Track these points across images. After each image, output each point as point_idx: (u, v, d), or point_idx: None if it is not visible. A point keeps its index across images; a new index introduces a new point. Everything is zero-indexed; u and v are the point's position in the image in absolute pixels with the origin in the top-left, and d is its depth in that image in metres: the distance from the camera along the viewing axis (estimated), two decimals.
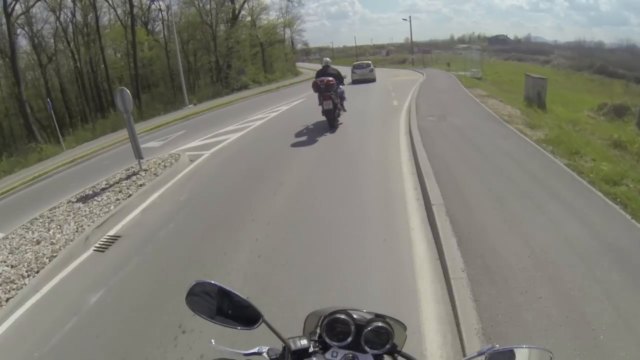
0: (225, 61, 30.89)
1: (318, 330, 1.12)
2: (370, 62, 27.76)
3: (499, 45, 75.46)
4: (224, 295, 1.13)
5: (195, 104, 23.39)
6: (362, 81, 24.26)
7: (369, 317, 1.11)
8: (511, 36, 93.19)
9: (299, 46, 69.03)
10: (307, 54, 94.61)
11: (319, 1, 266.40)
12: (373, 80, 24.71)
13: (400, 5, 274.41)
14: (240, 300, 1.13)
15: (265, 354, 1.11)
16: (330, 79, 9.69)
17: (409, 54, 60.31)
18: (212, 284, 1.12)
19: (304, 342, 1.09)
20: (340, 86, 10.39)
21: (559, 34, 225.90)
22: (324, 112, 9.79)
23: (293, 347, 1.07)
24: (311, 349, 1.08)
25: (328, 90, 9.57)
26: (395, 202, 5.23)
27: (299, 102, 18.53)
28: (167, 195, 6.93)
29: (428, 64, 40.87)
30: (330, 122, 9.86)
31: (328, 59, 11.34)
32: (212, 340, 1.12)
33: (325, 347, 1.10)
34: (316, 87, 9.81)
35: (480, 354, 1.01)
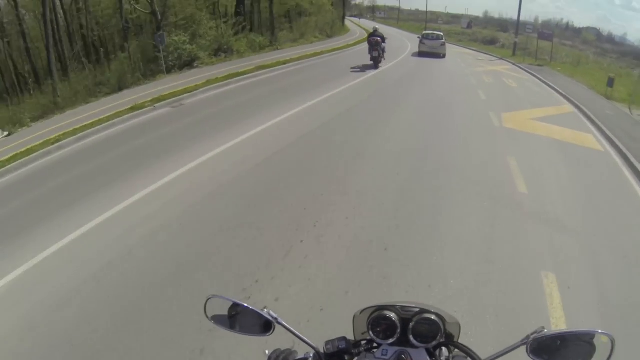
0: (163, 16, 15.00)
1: (368, 333, 1.04)
2: (442, 33, 23.60)
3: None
4: (237, 307, 1.09)
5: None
6: (429, 55, 20.83)
7: (416, 310, 1.02)
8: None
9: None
10: (373, 11, 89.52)
11: None
12: (443, 56, 20.96)
13: None
14: (252, 310, 1.07)
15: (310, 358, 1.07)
16: (378, 38, 15.02)
17: (502, 31, 39.46)
18: (225, 298, 1.08)
19: (342, 344, 1.03)
20: (383, 44, 15.30)
21: None
22: (372, 58, 15.14)
23: (328, 349, 1.03)
24: (354, 350, 1.04)
25: (377, 45, 14.87)
26: None
27: None
28: None
29: (542, 60, 22.41)
30: (376, 64, 15.18)
31: (377, 25, 17.71)
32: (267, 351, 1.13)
33: (377, 345, 1.03)
34: (370, 43, 15.14)
35: (525, 340, 0.91)
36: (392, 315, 1.00)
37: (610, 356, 0.87)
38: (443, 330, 0.99)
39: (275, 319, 1.04)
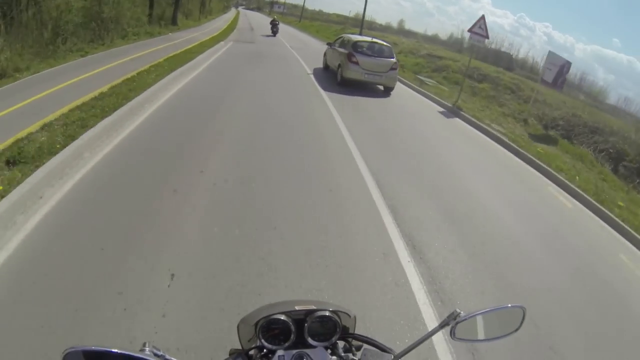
0: None
1: (256, 338, 0.93)
2: (389, 46, 11.20)
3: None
4: (106, 356, 0.73)
5: None
6: (361, 90, 10.09)
7: (306, 309, 0.94)
8: None
9: None
10: (272, 6, 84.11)
11: None
12: (387, 91, 10.64)
13: None
14: (128, 356, 0.73)
15: None
16: (277, 22, 24.76)
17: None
18: (87, 349, 0.72)
19: None
20: (278, 25, 24.59)
21: None
22: (272, 32, 23.70)
23: None
24: None
25: (274, 26, 23.92)
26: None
27: None
28: None
29: None
30: (274, 34, 23.68)
31: (276, 16, 34.49)
32: None
33: (269, 353, 0.92)
34: (272, 23, 24.40)
35: (443, 325, 0.90)
36: (284, 317, 0.90)
37: (521, 323, 0.92)
38: (340, 325, 0.93)
39: (163, 356, 0.82)
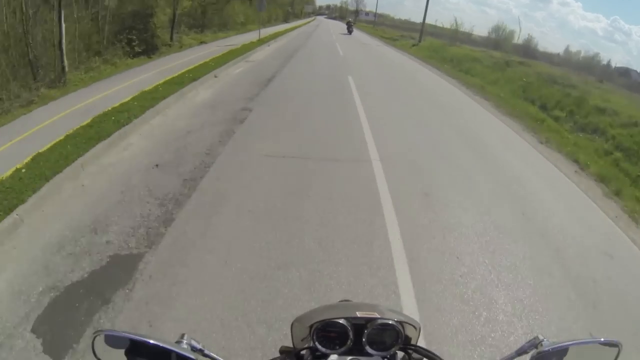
0: None
1: (310, 340, 0.84)
2: None
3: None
4: (140, 345, 0.68)
5: None
6: None
7: (368, 314, 0.84)
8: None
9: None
10: (357, 14, 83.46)
11: None
12: None
13: None
14: (164, 348, 0.68)
15: None
16: (352, 23, 38.44)
17: None
18: (120, 334, 0.69)
19: None
20: (353, 26, 36.35)
21: None
22: (348, 30, 34.29)
23: None
24: None
25: (350, 25, 35.77)
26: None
27: None
28: None
29: None
30: (350, 32, 33.80)
31: (351, 19, 49.05)
32: None
33: (322, 356, 0.83)
34: (347, 24, 36.26)
35: (521, 352, 0.77)
36: (343, 321, 0.81)
37: None
38: (402, 335, 0.82)
39: (201, 350, 0.74)
